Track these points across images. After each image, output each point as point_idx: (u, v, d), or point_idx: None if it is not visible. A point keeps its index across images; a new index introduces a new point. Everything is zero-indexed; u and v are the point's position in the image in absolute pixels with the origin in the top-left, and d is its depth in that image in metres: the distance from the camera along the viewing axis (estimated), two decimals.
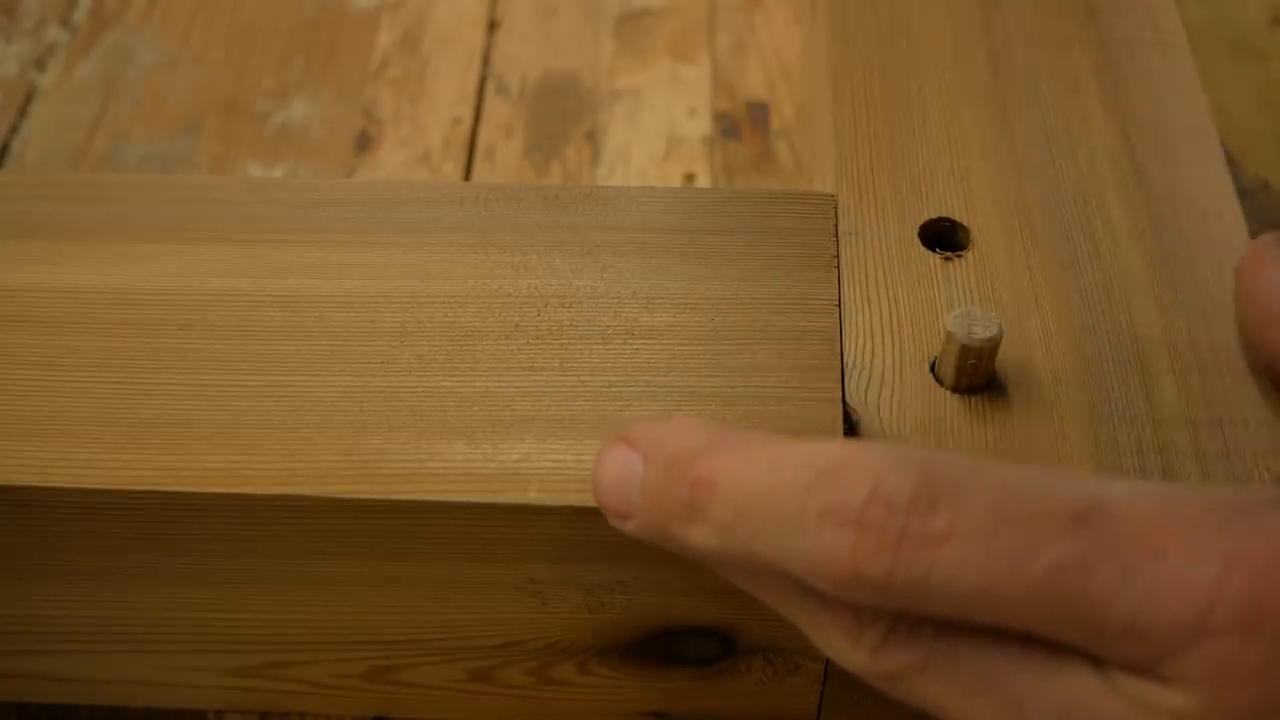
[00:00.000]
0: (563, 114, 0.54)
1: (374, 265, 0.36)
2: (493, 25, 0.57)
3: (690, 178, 0.51)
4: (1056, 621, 0.23)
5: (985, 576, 0.23)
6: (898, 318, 0.35)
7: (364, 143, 0.53)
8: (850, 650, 0.26)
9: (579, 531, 0.32)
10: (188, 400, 0.33)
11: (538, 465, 0.32)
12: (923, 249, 0.36)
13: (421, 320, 0.35)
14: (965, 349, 0.32)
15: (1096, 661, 0.24)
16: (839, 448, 0.25)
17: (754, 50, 0.56)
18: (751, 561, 0.25)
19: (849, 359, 0.33)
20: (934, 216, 0.37)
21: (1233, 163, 0.50)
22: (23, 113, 0.54)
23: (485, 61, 0.56)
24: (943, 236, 0.37)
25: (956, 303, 0.35)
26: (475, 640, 0.35)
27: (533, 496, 0.31)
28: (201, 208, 0.38)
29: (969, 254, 0.36)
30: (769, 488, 0.25)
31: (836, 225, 0.37)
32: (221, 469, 0.32)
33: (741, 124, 0.53)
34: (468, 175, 0.52)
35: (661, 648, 0.35)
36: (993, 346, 0.32)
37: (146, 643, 0.36)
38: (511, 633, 0.35)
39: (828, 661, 0.35)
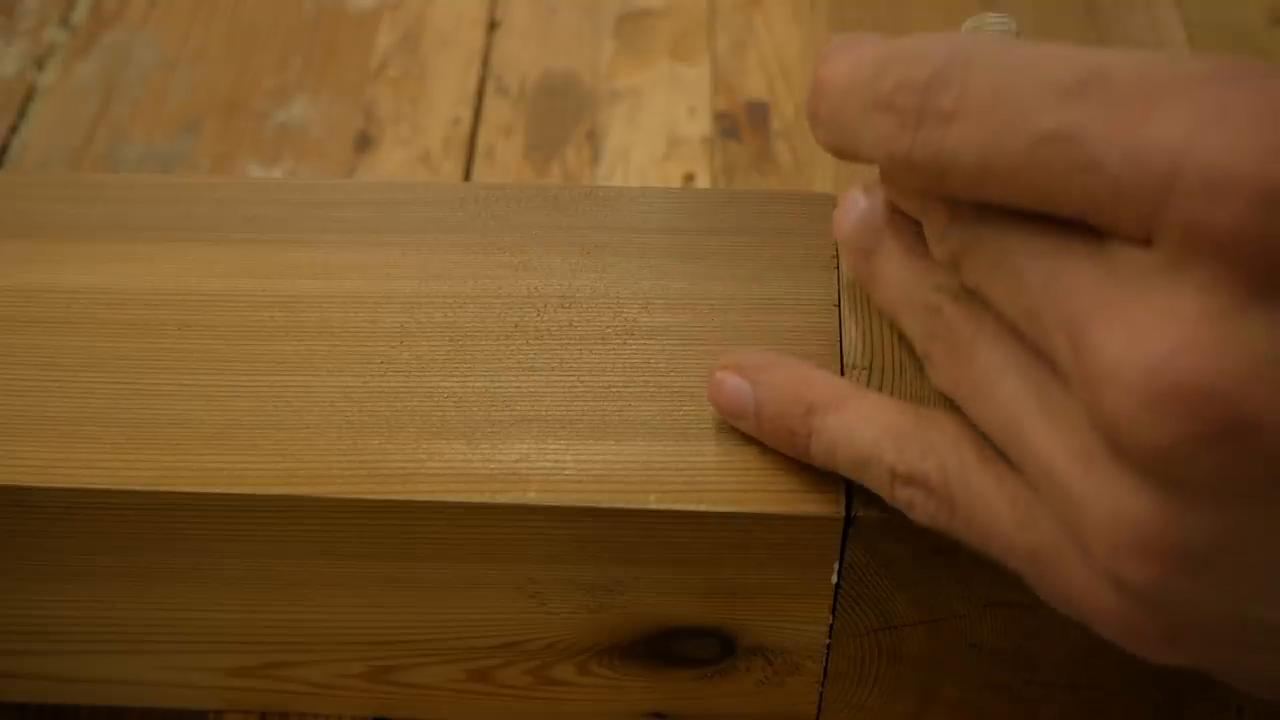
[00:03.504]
0: (563, 114, 0.54)
1: (374, 265, 0.36)
2: (493, 25, 0.57)
3: (690, 178, 0.51)
4: (1049, 192, 0.24)
5: (981, 151, 0.24)
6: None
7: (364, 143, 0.53)
8: (929, 240, 0.28)
9: (578, 531, 0.32)
10: (188, 401, 0.33)
11: (537, 465, 0.32)
12: None
13: (421, 321, 0.35)
14: None
15: (1100, 236, 0.24)
16: (894, 43, 0.27)
17: (754, 50, 0.56)
18: (853, 153, 0.29)
19: (849, 359, 0.33)
20: None
21: None
22: (23, 113, 0.54)
23: (485, 61, 0.56)
24: None
25: None
26: (475, 640, 0.35)
27: (532, 496, 0.31)
28: (201, 208, 0.38)
29: None
30: (849, 85, 0.28)
31: None
32: (221, 469, 0.32)
33: (741, 124, 0.53)
34: (468, 175, 0.52)
35: (661, 648, 0.35)
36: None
37: (146, 643, 0.36)
38: (511, 633, 0.35)
39: (827, 662, 0.35)
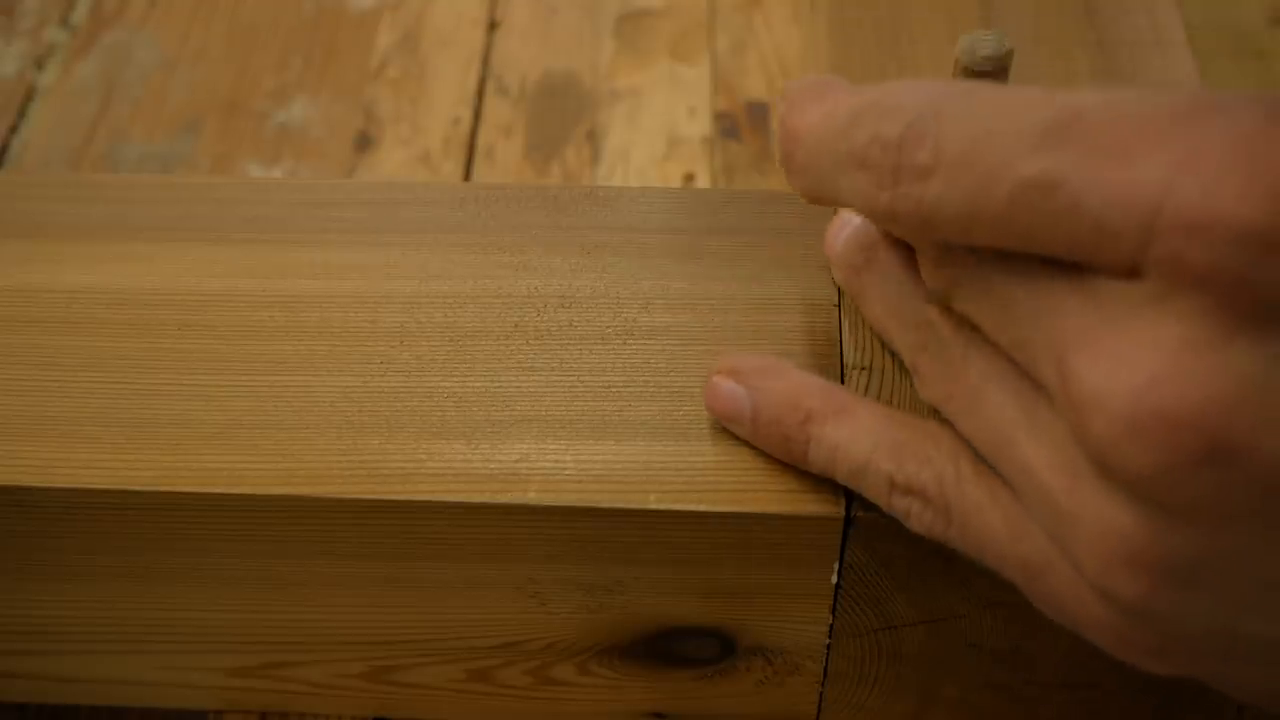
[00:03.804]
0: (563, 114, 0.54)
1: (374, 265, 0.36)
2: (493, 25, 0.57)
3: (690, 178, 0.51)
4: (1033, 235, 0.24)
5: (963, 202, 0.24)
6: None
7: (364, 143, 0.53)
8: (922, 267, 0.29)
9: (578, 531, 0.32)
10: (187, 400, 0.33)
11: (536, 465, 0.32)
12: None
13: (421, 321, 0.35)
14: (968, 73, 0.31)
15: (1084, 272, 0.24)
16: (867, 95, 0.27)
17: (754, 50, 0.56)
18: (831, 201, 0.29)
19: (849, 359, 0.33)
20: None
21: None
22: (22, 113, 0.54)
23: (485, 61, 0.56)
24: None
25: None
26: (475, 640, 0.35)
27: (532, 497, 0.31)
28: (201, 208, 0.38)
29: None
30: (822, 136, 0.28)
31: None
32: (221, 469, 0.32)
33: (741, 124, 0.53)
34: (468, 175, 0.52)
35: (661, 648, 0.35)
36: (1000, 68, 0.31)
37: (146, 643, 0.36)
38: (511, 633, 0.35)
39: (827, 662, 0.35)
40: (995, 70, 0.31)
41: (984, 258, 0.26)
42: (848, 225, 0.33)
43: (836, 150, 0.27)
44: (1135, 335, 0.23)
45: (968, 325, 0.28)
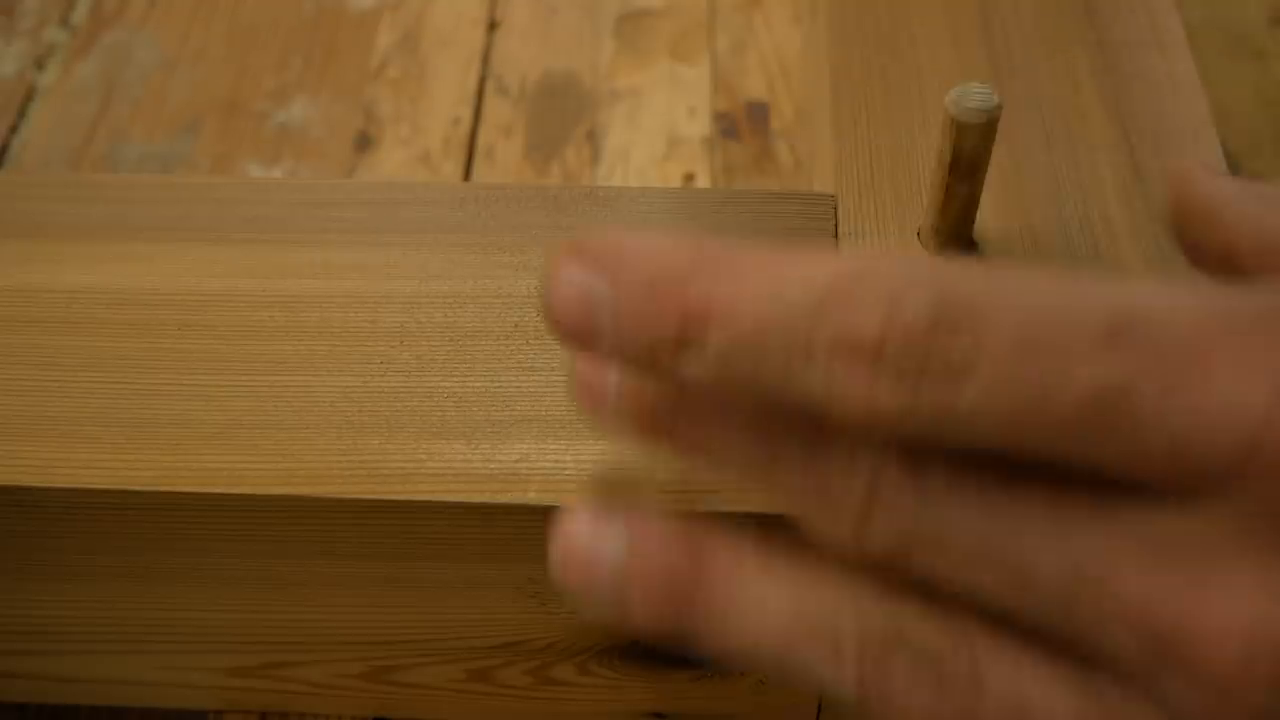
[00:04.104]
0: (563, 114, 0.54)
1: (374, 265, 0.36)
2: (493, 25, 0.57)
3: (690, 178, 0.51)
4: (1093, 448, 0.21)
5: (1015, 407, 0.20)
6: None
7: (364, 143, 0.53)
8: (834, 523, 0.23)
9: None
10: (187, 400, 0.33)
11: (536, 465, 0.32)
12: (922, 250, 0.36)
13: (421, 321, 0.35)
14: (956, 124, 0.29)
15: (1119, 498, 0.21)
16: (846, 264, 0.22)
17: (754, 50, 0.56)
18: (749, 395, 0.23)
19: None
20: None
21: (1232, 163, 0.50)
22: (22, 113, 0.54)
23: (485, 61, 0.56)
24: None
25: None
26: (475, 640, 0.35)
27: (532, 497, 0.31)
28: (201, 208, 0.38)
29: (968, 254, 0.36)
30: (772, 315, 0.22)
31: (836, 225, 0.37)
32: (221, 469, 0.32)
33: (741, 124, 0.53)
34: (468, 175, 0.52)
35: (661, 648, 0.35)
36: (989, 120, 0.29)
37: (146, 643, 0.36)
38: (511, 633, 0.35)
39: None
40: (983, 123, 0.31)
41: (963, 495, 0.22)
42: (606, 536, 0.25)
43: (807, 333, 0.21)
44: (1248, 578, 0.20)
45: (951, 611, 0.23)
